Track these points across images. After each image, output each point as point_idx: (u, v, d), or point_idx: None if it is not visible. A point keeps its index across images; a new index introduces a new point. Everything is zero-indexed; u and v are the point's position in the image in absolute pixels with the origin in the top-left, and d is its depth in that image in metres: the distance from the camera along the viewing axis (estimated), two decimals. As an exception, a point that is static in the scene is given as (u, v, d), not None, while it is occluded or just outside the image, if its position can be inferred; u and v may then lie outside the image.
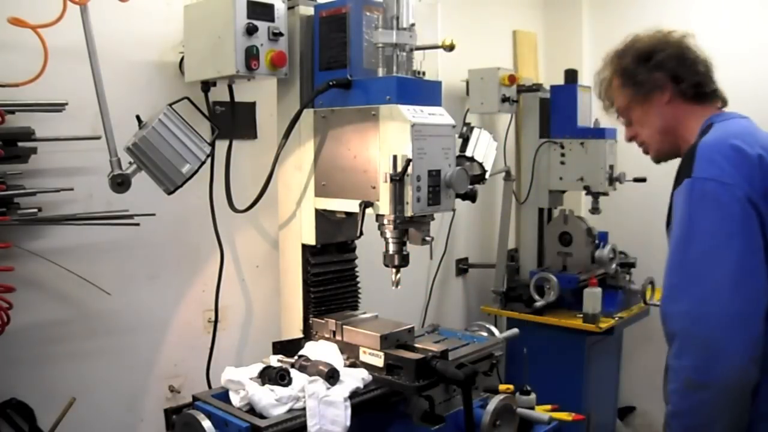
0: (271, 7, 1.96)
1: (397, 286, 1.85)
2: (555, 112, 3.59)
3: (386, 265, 1.85)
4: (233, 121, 2.26)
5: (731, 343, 1.36)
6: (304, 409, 1.59)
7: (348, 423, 1.58)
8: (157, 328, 2.33)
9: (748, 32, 3.64)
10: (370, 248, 1.93)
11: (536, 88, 3.64)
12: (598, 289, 3.18)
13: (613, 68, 1.78)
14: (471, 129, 2.83)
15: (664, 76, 1.67)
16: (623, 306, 3.42)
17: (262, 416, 1.58)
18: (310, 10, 2.02)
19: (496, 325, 2.30)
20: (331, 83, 1.86)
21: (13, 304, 1.81)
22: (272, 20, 1.96)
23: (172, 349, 2.36)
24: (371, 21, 1.87)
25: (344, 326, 1.91)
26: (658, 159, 1.80)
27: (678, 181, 1.51)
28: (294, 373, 1.70)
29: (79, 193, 2.03)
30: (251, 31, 1.91)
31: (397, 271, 1.83)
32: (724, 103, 1.72)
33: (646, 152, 1.82)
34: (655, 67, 1.68)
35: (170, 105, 1.91)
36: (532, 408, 2.05)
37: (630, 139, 1.83)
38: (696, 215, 1.43)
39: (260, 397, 1.60)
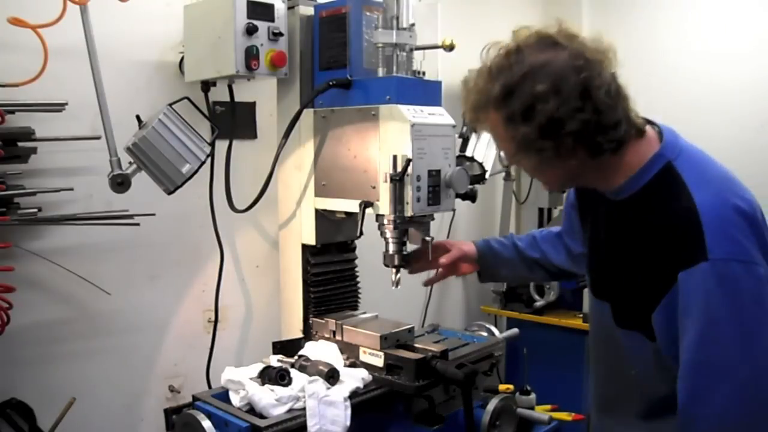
0: (271, 7, 1.96)
1: (397, 286, 1.85)
2: (555, 112, 3.58)
3: (386, 265, 1.85)
4: (233, 121, 2.26)
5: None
6: (304, 409, 1.59)
7: (348, 423, 1.58)
8: (157, 328, 2.33)
9: (747, 31, 3.64)
10: (370, 248, 1.93)
11: (536, 88, 3.63)
12: (598, 289, 3.18)
13: (498, 111, 1.28)
14: (471, 129, 2.83)
15: (575, 144, 1.26)
16: (623, 306, 3.42)
17: (262, 416, 1.58)
18: (310, 10, 2.02)
19: (496, 325, 2.30)
20: (331, 83, 1.86)
21: (13, 304, 1.81)
22: (272, 20, 1.96)
23: (172, 349, 2.36)
24: (371, 21, 1.87)
25: (344, 326, 1.91)
26: (558, 190, 1.52)
27: (684, 259, 1.21)
28: (294, 373, 1.70)
29: (79, 193, 2.03)
30: (251, 31, 1.91)
31: (397, 271, 1.84)
32: (641, 133, 1.34)
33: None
34: (565, 136, 1.24)
35: (170, 105, 1.91)
36: (532, 408, 2.05)
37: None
38: (719, 304, 1.20)
39: (260, 397, 1.60)
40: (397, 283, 1.84)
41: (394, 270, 1.84)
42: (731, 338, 1.21)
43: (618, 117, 1.25)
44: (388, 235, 1.80)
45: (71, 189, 1.99)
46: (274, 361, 1.82)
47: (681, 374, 1.26)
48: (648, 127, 1.37)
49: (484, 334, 2.16)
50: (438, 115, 1.80)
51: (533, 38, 1.27)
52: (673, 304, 1.25)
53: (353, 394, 1.66)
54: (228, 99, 2.22)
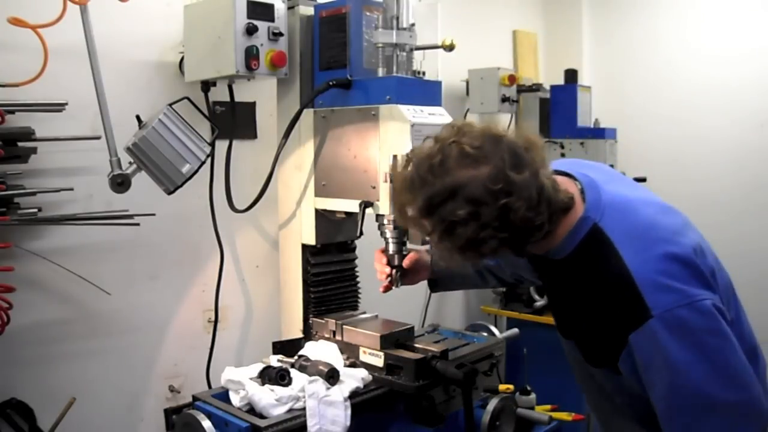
0: (271, 7, 1.96)
1: (396, 285, 1.85)
2: (555, 112, 3.59)
3: (387, 265, 1.85)
4: (233, 121, 2.26)
5: None
6: (304, 409, 1.59)
7: (348, 423, 1.58)
8: (158, 328, 2.33)
9: (748, 32, 3.64)
10: (370, 248, 1.93)
11: (536, 88, 3.64)
12: (598, 289, 3.17)
13: (421, 219, 1.29)
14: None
15: (498, 249, 1.27)
16: (623, 306, 3.41)
17: (262, 416, 1.58)
18: (310, 10, 2.02)
19: (496, 325, 2.30)
20: (331, 83, 1.86)
21: (13, 304, 1.81)
22: (272, 20, 1.96)
23: (172, 349, 2.35)
24: (371, 21, 1.87)
25: (344, 326, 1.91)
26: None
27: (630, 322, 1.23)
28: (294, 373, 1.70)
29: (79, 193, 2.03)
30: (251, 31, 1.91)
31: (398, 271, 1.83)
32: (568, 209, 1.34)
33: None
34: (486, 250, 1.27)
35: (170, 105, 1.91)
36: (532, 408, 2.05)
37: None
38: (678, 352, 1.20)
39: (260, 397, 1.60)
40: (396, 282, 1.84)
41: (394, 270, 1.84)
42: (703, 375, 1.21)
43: (542, 220, 1.25)
44: (388, 235, 1.80)
45: (71, 189, 1.99)
46: (274, 361, 1.82)
47: (662, 421, 1.27)
48: (570, 184, 1.36)
49: (484, 334, 2.16)
50: (438, 115, 1.80)
51: (455, 151, 1.25)
52: (631, 358, 1.26)
53: (353, 394, 1.66)
54: (228, 99, 2.22)
